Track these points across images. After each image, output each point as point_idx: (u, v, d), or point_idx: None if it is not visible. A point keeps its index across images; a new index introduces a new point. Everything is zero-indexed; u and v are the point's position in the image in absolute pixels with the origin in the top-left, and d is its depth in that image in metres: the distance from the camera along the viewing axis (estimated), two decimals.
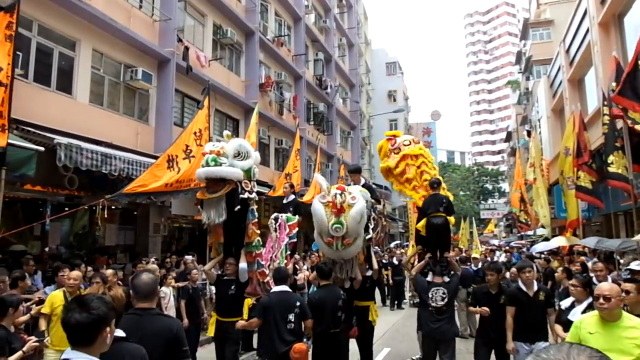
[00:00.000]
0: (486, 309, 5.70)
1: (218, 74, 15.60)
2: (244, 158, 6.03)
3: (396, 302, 14.80)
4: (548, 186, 19.26)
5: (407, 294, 15.43)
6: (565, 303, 5.16)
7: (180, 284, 8.40)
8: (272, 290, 5.31)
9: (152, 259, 10.13)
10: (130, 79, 12.08)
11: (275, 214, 7.23)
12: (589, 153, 11.01)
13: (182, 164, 9.95)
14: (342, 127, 30.04)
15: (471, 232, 27.84)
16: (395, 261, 15.29)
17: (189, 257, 10.24)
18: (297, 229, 7.03)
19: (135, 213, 12.81)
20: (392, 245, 24.53)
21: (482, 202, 61.23)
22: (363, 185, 7.82)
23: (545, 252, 14.96)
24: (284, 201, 8.89)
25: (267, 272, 6.33)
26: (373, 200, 7.30)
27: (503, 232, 50.60)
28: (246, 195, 6.00)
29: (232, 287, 6.00)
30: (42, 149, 7.47)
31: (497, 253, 20.45)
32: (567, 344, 1.07)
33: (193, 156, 9.93)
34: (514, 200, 27.19)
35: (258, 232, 6.30)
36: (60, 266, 6.63)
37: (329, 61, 26.93)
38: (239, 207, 5.91)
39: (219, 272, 6.38)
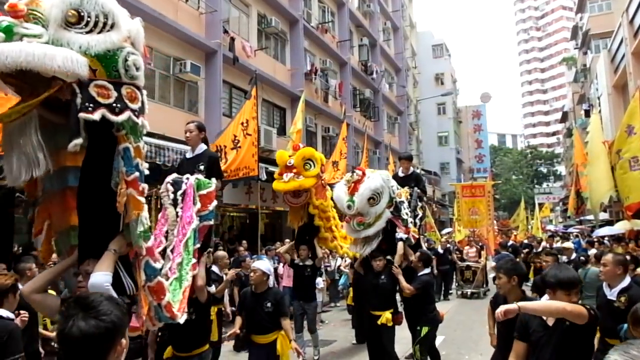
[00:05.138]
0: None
1: (264, 64, 15.68)
2: (96, 28, 2.48)
3: (442, 292, 13.49)
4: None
5: (454, 284, 14.54)
6: None
7: (234, 271, 8.55)
8: (422, 273, 5.91)
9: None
10: (180, 71, 12.35)
11: (173, 176, 3.86)
12: None
13: (230, 154, 10.10)
14: (388, 113, 29.61)
15: (527, 217, 26.89)
16: (440, 250, 13.94)
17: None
18: (215, 202, 3.72)
19: None
20: (443, 232, 23.75)
21: (537, 185, 59.03)
22: (411, 174, 7.71)
23: (606, 237, 14.20)
24: (188, 155, 5.01)
25: (165, 285, 2.87)
26: (419, 191, 7.24)
27: (560, 217, 48.53)
28: (103, 112, 2.35)
29: None
30: None
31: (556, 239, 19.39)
32: None
33: (240, 146, 10.06)
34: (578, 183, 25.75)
35: (142, 200, 2.61)
36: None
37: (373, 46, 26.51)
38: (81, 139, 2.30)
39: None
